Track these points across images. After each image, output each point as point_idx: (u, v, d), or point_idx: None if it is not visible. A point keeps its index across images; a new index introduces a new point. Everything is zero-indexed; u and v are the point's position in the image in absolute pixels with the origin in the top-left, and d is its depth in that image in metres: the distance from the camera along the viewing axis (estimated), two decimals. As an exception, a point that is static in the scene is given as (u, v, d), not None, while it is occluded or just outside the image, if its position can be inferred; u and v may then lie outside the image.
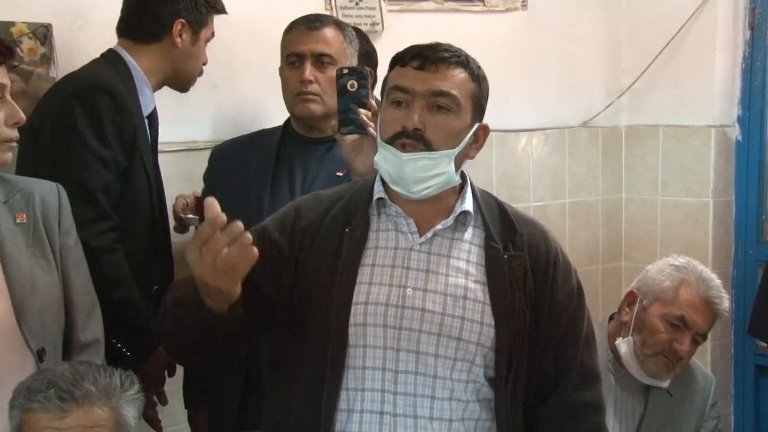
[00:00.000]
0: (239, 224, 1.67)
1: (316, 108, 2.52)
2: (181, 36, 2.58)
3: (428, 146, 1.88)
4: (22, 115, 2.00)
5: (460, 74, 1.91)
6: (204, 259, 1.67)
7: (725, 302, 2.60)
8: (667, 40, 3.97)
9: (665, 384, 2.58)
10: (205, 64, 2.71)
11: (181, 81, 2.67)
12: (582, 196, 4.12)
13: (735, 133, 3.93)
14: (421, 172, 1.89)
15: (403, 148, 1.88)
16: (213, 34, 2.70)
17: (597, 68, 4.13)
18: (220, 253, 1.65)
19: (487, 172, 3.82)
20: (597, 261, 4.17)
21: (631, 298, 2.61)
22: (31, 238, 1.99)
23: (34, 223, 2.00)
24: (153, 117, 2.63)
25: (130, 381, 1.78)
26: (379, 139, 1.93)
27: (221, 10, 2.69)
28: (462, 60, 1.93)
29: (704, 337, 2.60)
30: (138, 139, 2.48)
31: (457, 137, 1.91)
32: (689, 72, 3.95)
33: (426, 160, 1.88)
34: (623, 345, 2.54)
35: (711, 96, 3.92)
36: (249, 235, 1.68)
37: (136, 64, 2.56)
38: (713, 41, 3.90)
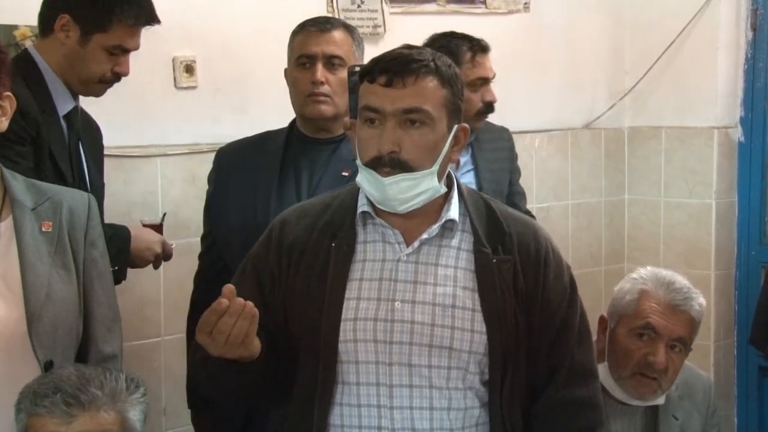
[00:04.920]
0: (239, 301, 1.74)
1: (327, 109, 2.52)
2: (66, 32, 2.40)
3: (405, 168, 1.85)
4: None
5: (429, 84, 1.86)
6: (217, 342, 1.75)
7: (693, 301, 2.41)
8: (670, 42, 3.98)
9: (660, 401, 2.45)
10: (119, 74, 2.49)
11: (74, 83, 2.46)
12: (585, 197, 4.12)
13: (738, 134, 3.93)
14: (404, 193, 1.87)
15: (384, 174, 1.86)
16: (128, 47, 2.47)
17: (599, 70, 4.14)
18: (231, 332, 1.74)
19: (490, 173, 3.81)
20: (600, 262, 4.17)
21: (603, 324, 2.47)
22: (55, 248, 1.96)
23: (59, 232, 1.98)
24: (71, 116, 2.49)
25: (135, 384, 1.78)
26: (358, 161, 1.91)
27: (136, 20, 2.45)
28: (430, 68, 1.87)
29: (683, 343, 2.41)
30: (42, 138, 2.33)
31: (435, 150, 1.88)
32: (692, 73, 3.96)
33: (408, 182, 1.86)
34: (600, 371, 2.29)
35: (713, 97, 3.93)
36: (251, 304, 1.75)
37: (45, 63, 2.43)
38: (715, 42, 3.91)
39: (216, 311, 1.73)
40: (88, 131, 2.59)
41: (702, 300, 2.45)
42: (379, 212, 1.94)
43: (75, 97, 2.50)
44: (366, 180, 1.89)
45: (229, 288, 1.75)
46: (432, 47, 2.66)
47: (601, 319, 2.49)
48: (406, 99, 1.84)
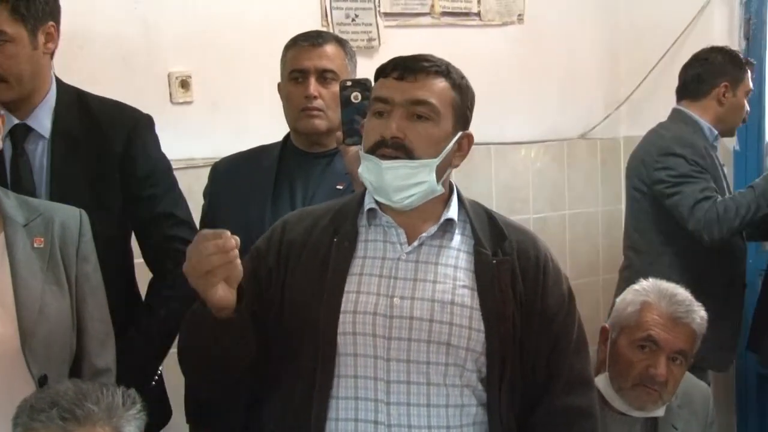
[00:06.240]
0: (232, 240, 1.77)
1: (320, 123, 2.53)
2: None
3: (408, 154, 1.89)
4: None
5: (439, 83, 1.93)
6: (190, 259, 1.78)
7: (695, 314, 2.42)
8: (664, 51, 4.00)
9: (660, 413, 2.46)
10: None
11: None
12: (581, 207, 4.13)
13: (733, 143, 3.94)
14: (401, 181, 1.90)
15: (384, 158, 1.90)
16: None
17: (595, 80, 4.15)
18: (202, 258, 1.76)
19: (487, 184, 3.83)
20: (597, 272, 4.17)
21: (604, 335, 2.48)
22: (47, 263, 1.98)
23: (51, 248, 2.00)
24: (15, 132, 2.33)
25: (131, 400, 1.78)
26: (361, 150, 1.95)
27: None
28: (442, 70, 1.94)
29: (684, 355, 2.42)
30: None
31: (437, 145, 1.92)
32: (686, 82, 3.97)
33: (406, 169, 1.89)
34: (600, 382, 2.40)
35: (708, 106, 3.93)
36: (236, 252, 1.78)
37: None
38: (709, 52, 3.92)
39: (213, 233, 1.77)
40: (82, 144, 2.38)
41: (703, 313, 2.46)
42: (384, 210, 1.98)
43: (20, 112, 2.33)
44: (366, 168, 1.93)
45: (235, 237, 1.78)
46: (717, 53, 3.29)
47: (603, 330, 2.49)
48: (415, 91, 1.91)
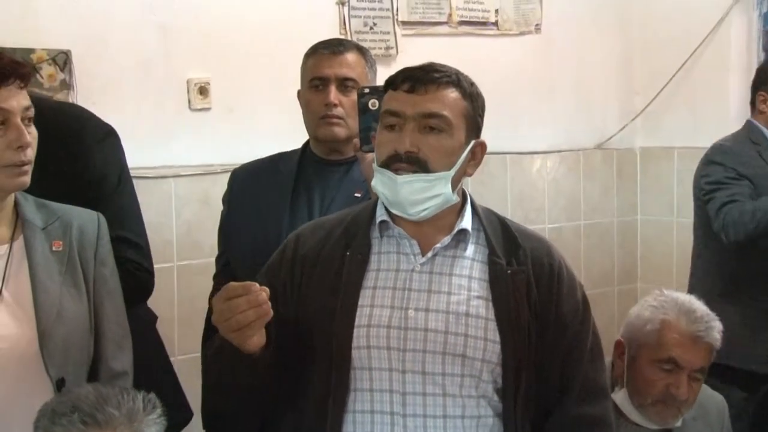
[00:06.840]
0: (263, 293, 1.78)
1: (340, 131, 2.53)
2: None
3: (423, 167, 1.88)
4: (27, 139, 1.93)
5: (450, 94, 1.91)
6: (222, 315, 1.79)
7: (713, 331, 2.41)
8: (681, 63, 4.00)
9: (678, 423, 2.44)
10: None
11: None
12: (597, 217, 4.13)
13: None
14: (417, 195, 1.90)
15: (398, 172, 1.89)
16: None
17: (611, 90, 4.16)
18: (236, 315, 1.77)
19: (502, 194, 3.83)
20: (612, 282, 4.17)
21: (620, 349, 2.45)
22: (65, 267, 1.99)
23: (69, 251, 2.00)
24: None
25: (152, 405, 1.78)
26: (375, 164, 1.94)
27: None
28: (452, 79, 1.92)
29: (703, 373, 2.41)
30: None
31: (452, 157, 1.91)
32: (703, 94, 3.97)
33: (421, 183, 1.89)
34: (618, 397, 2.39)
35: (725, 118, 3.93)
36: (268, 306, 1.79)
37: None
38: (727, 63, 3.93)
39: (242, 288, 1.78)
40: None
41: (720, 326, 2.44)
42: (396, 221, 1.97)
43: None
44: (380, 182, 1.92)
45: (264, 288, 1.78)
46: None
47: (618, 344, 2.47)
48: (427, 104, 1.89)
